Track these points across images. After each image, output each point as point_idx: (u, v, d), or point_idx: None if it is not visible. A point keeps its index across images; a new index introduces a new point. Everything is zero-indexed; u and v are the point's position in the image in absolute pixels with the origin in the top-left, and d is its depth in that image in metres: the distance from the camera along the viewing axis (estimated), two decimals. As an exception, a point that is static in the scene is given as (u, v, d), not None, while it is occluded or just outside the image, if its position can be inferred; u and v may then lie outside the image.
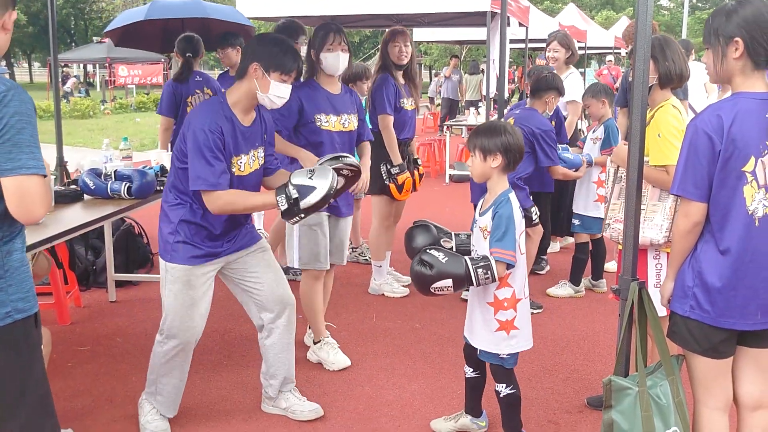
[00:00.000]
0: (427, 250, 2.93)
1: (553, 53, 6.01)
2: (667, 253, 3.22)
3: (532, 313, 4.89)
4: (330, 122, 3.98)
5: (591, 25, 18.40)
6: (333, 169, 3.12)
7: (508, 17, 7.19)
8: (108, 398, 3.74)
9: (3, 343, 2.13)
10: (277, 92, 3.14)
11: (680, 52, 3.32)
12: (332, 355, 4.11)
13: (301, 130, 3.97)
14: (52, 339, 3.24)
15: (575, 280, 5.42)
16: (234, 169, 3.15)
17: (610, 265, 5.82)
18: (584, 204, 5.21)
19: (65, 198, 4.13)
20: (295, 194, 3.01)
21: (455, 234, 3.25)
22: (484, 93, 9.15)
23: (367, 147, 4.31)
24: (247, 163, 3.21)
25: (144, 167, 4.78)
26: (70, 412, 3.56)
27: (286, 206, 3.04)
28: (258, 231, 6.75)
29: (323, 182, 3.02)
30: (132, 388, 3.82)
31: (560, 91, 4.96)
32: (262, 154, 3.34)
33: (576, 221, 5.26)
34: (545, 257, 6.05)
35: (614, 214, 3.39)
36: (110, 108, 25.10)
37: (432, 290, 2.88)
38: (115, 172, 4.38)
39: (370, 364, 4.14)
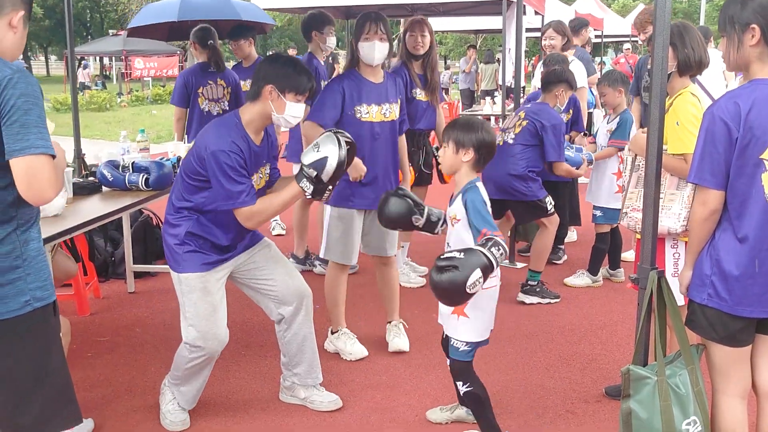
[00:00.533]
0: (439, 257, 2.76)
1: (549, 41, 6.07)
2: (685, 242, 3.19)
3: (549, 303, 4.95)
4: (371, 113, 3.94)
5: (608, 12, 18.23)
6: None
7: (524, 6, 7.13)
8: (127, 388, 3.77)
9: (22, 330, 2.18)
10: (292, 112, 3.13)
11: (699, 39, 3.29)
12: (349, 346, 4.11)
13: (341, 121, 3.93)
14: (72, 330, 3.27)
15: (593, 270, 5.40)
16: None
17: (628, 255, 5.79)
18: (606, 196, 5.19)
19: (83, 190, 4.16)
20: (313, 172, 3.03)
21: (428, 208, 3.19)
22: (499, 82, 9.09)
23: (403, 139, 4.26)
24: (255, 182, 3.22)
25: (161, 159, 4.80)
26: (89, 401, 3.59)
27: (311, 188, 3.06)
28: (274, 221, 6.84)
29: (331, 148, 3.03)
30: (151, 378, 3.85)
31: (570, 84, 4.96)
32: (268, 171, 3.36)
33: (597, 212, 5.24)
34: (562, 247, 6.03)
35: (631, 203, 3.37)
36: (127, 100, 25.22)
37: (468, 290, 2.68)
38: (132, 163, 4.41)
39: (387, 354, 4.15)
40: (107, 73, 35.88)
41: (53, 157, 2.11)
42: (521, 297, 5.00)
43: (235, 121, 3.15)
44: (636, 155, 3.36)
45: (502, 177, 4.79)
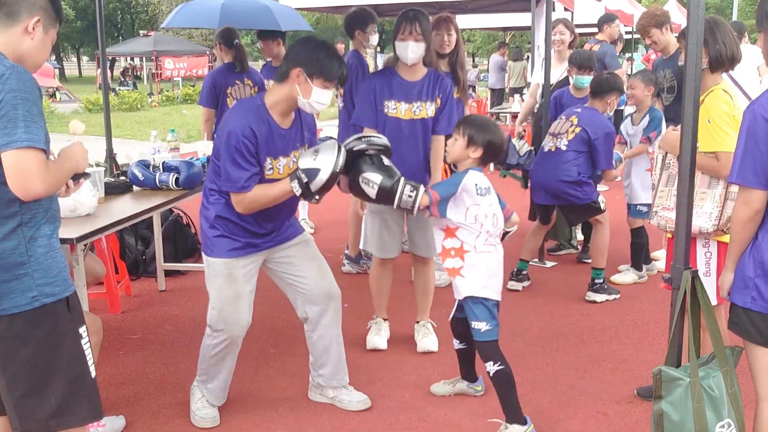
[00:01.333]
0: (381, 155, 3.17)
1: (559, 36, 6.18)
2: (717, 241, 3.15)
3: (615, 299, 4.97)
4: (399, 109, 3.93)
5: (638, 8, 17.95)
6: (357, 150, 3.15)
7: (554, 2, 7.08)
8: (158, 385, 3.81)
9: (31, 325, 2.21)
10: (318, 98, 3.12)
11: (731, 34, 3.23)
12: (370, 334, 4.19)
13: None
14: (104, 327, 3.30)
15: (638, 266, 5.40)
16: (271, 172, 3.16)
17: (659, 253, 5.72)
18: (643, 193, 5.15)
19: (115, 189, 4.20)
20: (304, 178, 3.02)
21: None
22: (528, 80, 9.02)
23: (439, 141, 4.03)
24: (287, 165, 3.21)
25: (191, 158, 4.84)
26: (121, 398, 3.64)
27: (300, 190, 3.05)
28: (302, 221, 6.86)
29: (328, 159, 3.00)
30: (181, 375, 3.88)
31: (621, 92, 5.06)
32: None
33: (644, 209, 5.19)
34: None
35: (662, 202, 3.32)
36: (157, 100, 25.47)
37: (360, 181, 3.11)
38: (163, 163, 4.44)
39: (416, 353, 4.14)
40: (138, 73, 36.25)
41: (43, 151, 2.13)
42: (591, 296, 5.00)
43: (258, 104, 3.14)
44: (666, 153, 3.32)
45: (556, 184, 4.86)
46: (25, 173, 2.08)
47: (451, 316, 3.42)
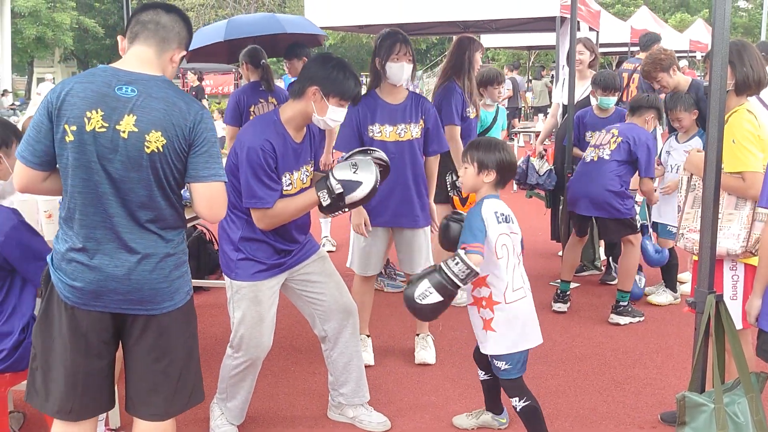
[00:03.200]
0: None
1: (578, 56, 6.09)
2: (745, 264, 3.10)
3: (639, 321, 4.90)
4: (384, 132, 3.95)
5: (664, 28, 17.94)
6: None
7: (578, 21, 7.07)
8: (179, 402, 3.81)
9: (184, 316, 2.56)
10: (333, 116, 3.14)
11: (758, 58, 3.21)
12: None
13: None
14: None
15: (672, 287, 5.39)
16: (290, 188, 3.17)
17: (685, 276, 5.65)
18: (672, 214, 5.11)
19: (140, 205, 4.24)
20: (339, 189, 3.02)
21: None
22: (553, 99, 9.02)
23: (433, 162, 4.16)
24: (299, 179, 3.22)
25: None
26: (142, 414, 3.64)
27: (329, 201, 3.04)
28: (325, 238, 6.88)
29: (369, 176, 3.03)
30: (202, 392, 3.88)
31: (660, 112, 5.05)
32: (312, 170, 3.36)
33: (664, 229, 5.20)
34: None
35: (688, 224, 3.29)
36: (183, 117, 25.73)
37: (418, 301, 2.89)
38: (187, 180, 4.47)
39: (436, 374, 4.11)
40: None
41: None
42: (614, 318, 4.93)
43: (274, 119, 3.17)
44: (691, 175, 3.29)
45: (600, 193, 4.85)
46: (220, 200, 2.51)
47: (476, 347, 3.33)
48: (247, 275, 3.20)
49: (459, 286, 2.87)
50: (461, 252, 2.88)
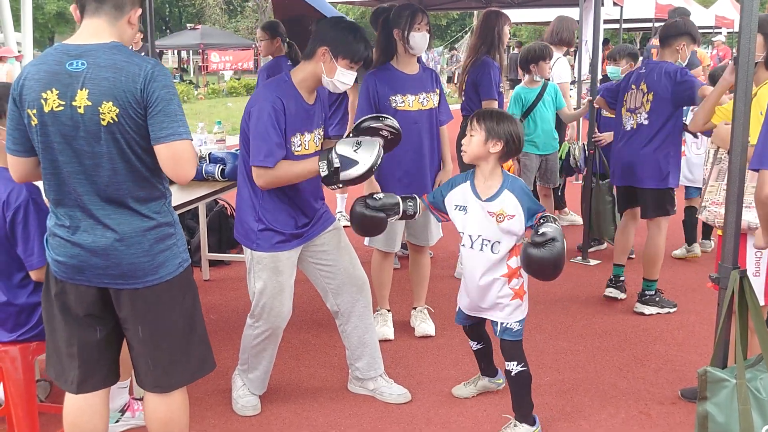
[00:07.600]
0: (535, 232, 2.88)
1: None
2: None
3: (668, 312, 4.72)
4: (406, 102, 3.95)
5: (691, 4, 17.61)
6: (372, 128, 3.16)
7: (602, -4, 6.95)
8: (201, 373, 3.86)
9: (178, 287, 2.51)
10: (342, 78, 3.13)
11: (789, 30, 3.14)
12: (378, 326, 4.11)
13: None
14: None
15: (690, 240, 5.75)
16: (300, 149, 3.17)
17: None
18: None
19: (162, 179, 4.27)
20: (336, 163, 3.01)
21: (405, 204, 3.26)
22: (575, 75, 8.92)
23: (445, 130, 4.21)
24: (312, 141, 3.22)
25: (236, 150, 4.88)
26: (166, 385, 3.69)
27: (326, 173, 3.03)
28: (339, 213, 6.88)
29: (367, 157, 3.01)
30: (224, 363, 3.92)
31: (694, 38, 4.48)
32: (322, 134, 3.36)
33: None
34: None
35: (711, 197, 3.26)
36: (203, 93, 25.77)
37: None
38: (209, 154, 4.50)
39: (456, 348, 4.13)
40: (185, 66, 36.74)
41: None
42: (639, 308, 4.66)
43: (285, 80, 3.17)
44: (718, 148, 3.25)
45: (641, 159, 4.47)
46: (184, 161, 2.32)
47: (462, 322, 3.38)
48: (268, 246, 3.22)
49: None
50: (553, 218, 2.94)
